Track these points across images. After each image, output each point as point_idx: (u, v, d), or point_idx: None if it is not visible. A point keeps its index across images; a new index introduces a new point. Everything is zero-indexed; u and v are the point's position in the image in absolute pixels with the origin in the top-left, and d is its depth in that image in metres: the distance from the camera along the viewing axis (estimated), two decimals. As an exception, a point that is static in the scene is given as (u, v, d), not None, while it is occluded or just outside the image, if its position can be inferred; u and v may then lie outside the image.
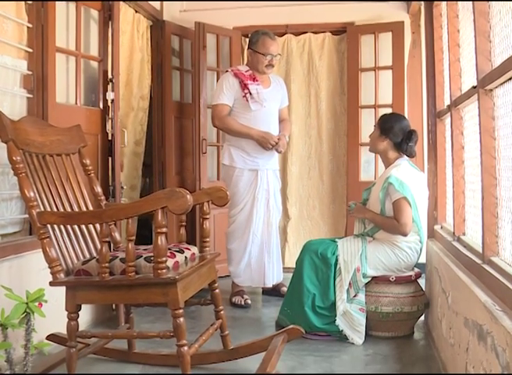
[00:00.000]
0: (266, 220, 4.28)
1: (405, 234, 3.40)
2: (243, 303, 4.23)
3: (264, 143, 4.17)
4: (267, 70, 4.30)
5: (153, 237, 2.33)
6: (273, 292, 4.45)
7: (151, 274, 2.34)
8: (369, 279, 3.42)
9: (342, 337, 3.35)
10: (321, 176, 5.68)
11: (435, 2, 3.76)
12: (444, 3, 3.49)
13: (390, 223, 3.43)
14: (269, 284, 4.34)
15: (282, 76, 5.52)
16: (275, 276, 4.33)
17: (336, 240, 3.57)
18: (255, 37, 4.29)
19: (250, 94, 4.19)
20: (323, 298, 3.43)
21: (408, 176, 3.45)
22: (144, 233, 4.87)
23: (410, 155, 3.59)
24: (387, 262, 3.41)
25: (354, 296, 3.40)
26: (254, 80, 4.25)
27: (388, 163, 3.60)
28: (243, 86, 4.20)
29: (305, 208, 5.67)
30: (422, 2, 4.41)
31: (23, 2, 3.22)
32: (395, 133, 3.55)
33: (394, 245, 3.42)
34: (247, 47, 4.43)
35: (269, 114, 4.29)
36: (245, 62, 5.65)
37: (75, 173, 2.88)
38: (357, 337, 3.34)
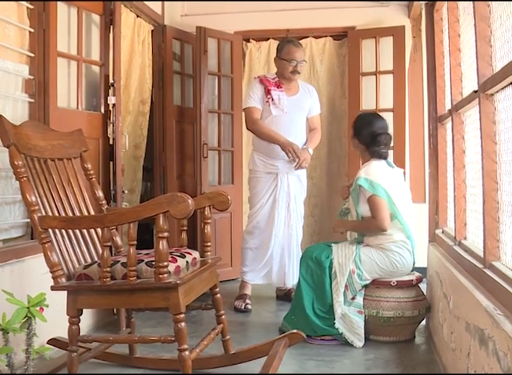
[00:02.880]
0: (287, 223, 4.38)
1: (384, 230, 3.40)
2: (243, 307, 4.25)
3: (288, 147, 4.21)
4: (292, 76, 4.39)
5: (154, 241, 2.33)
6: (285, 297, 4.52)
7: (153, 279, 2.34)
8: (367, 282, 3.42)
9: (346, 341, 3.35)
10: (322, 176, 5.80)
11: (436, 7, 3.77)
12: (445, 8, 3.50)
13: (368, 224, 3.47)
14: (289, 285, 4.45)
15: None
16: (295, 277, 4.39)
17: (332, 244, 3.58)
18: (281, 45, 4.45)
19: (272, 99, 4.33)
20: (320, 302, 3.45)
21: (378, 175, 3.46)
22: (145, 238, 4.88)
23: (380, 158, 3.59)
24: (382, 264, 3.41)
25: (352, 299, 3.40)
26: (278, 86, 4.37)
27: (363, 162, 3.66)
28: (267, 92, 4.35)
29: (307, 206, 5.72)
30: (423, 7, 4.41)
31: (25, 7, 3.22)
32: (363, 136, 3.59)
33: (383, 249, 3.43)
34: (275, 55, 4.51)
35: (292, 121, 4.37)
36: (246, 66, 5.71)
37: (76, 178, 2.88)
38: (357, 339, 3.34)
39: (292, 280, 4.41)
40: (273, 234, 4.36)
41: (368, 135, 3.57)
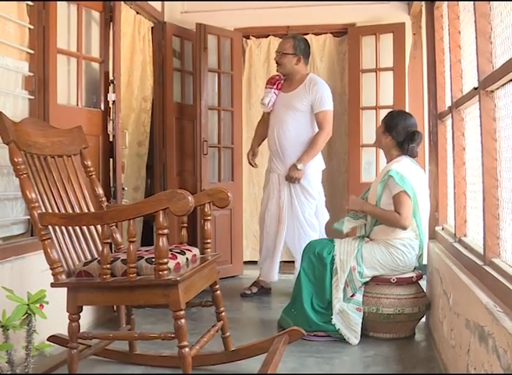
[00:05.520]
0: (279, 219, 4.41)
1: (405, 228, 3.39)
2: (244, 292, 4.46)
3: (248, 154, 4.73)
4: (277, 69, 4.48)
5: (154, 238, 2.33)
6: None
7: (153, 275, 2.34)
8: (367, 279, 3.43)
9: (340, 337, 3.35)
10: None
11: (436, 4, 3.76)
12: (445, 5, 3.49)
13: (390, 216, 3.42)
14: (273, 280, 4.50)
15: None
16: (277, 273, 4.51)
17: (335, 240, 3.58)
18: None
19: (263, 98, 4.47)
20: (319, 297, 3.46)
21: (409, 172, 3.45)
22: (148, 235, 4.88)
23: (412, 155, 3.58)
24: (383, 261, 3.41)
25: (352, 296, 3.40)
26: (274, 84, 4.44)
27: (390, 159, 3.62)
28: None
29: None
30: (423, 4, 4.41)
31: (25, 5, 3.22)
32: (398, 132, 3.55)
33: (388, 244, 3.42)
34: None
35: (277, 119, 4.41)
36: (246, 63, 5.71)
37: (76, 175, 2.88)
38: (353, 336, 3.34)
39: (276, 276, 4.50)
40: (265, 231, 4.45)
41: (404, 131, 3.54)
